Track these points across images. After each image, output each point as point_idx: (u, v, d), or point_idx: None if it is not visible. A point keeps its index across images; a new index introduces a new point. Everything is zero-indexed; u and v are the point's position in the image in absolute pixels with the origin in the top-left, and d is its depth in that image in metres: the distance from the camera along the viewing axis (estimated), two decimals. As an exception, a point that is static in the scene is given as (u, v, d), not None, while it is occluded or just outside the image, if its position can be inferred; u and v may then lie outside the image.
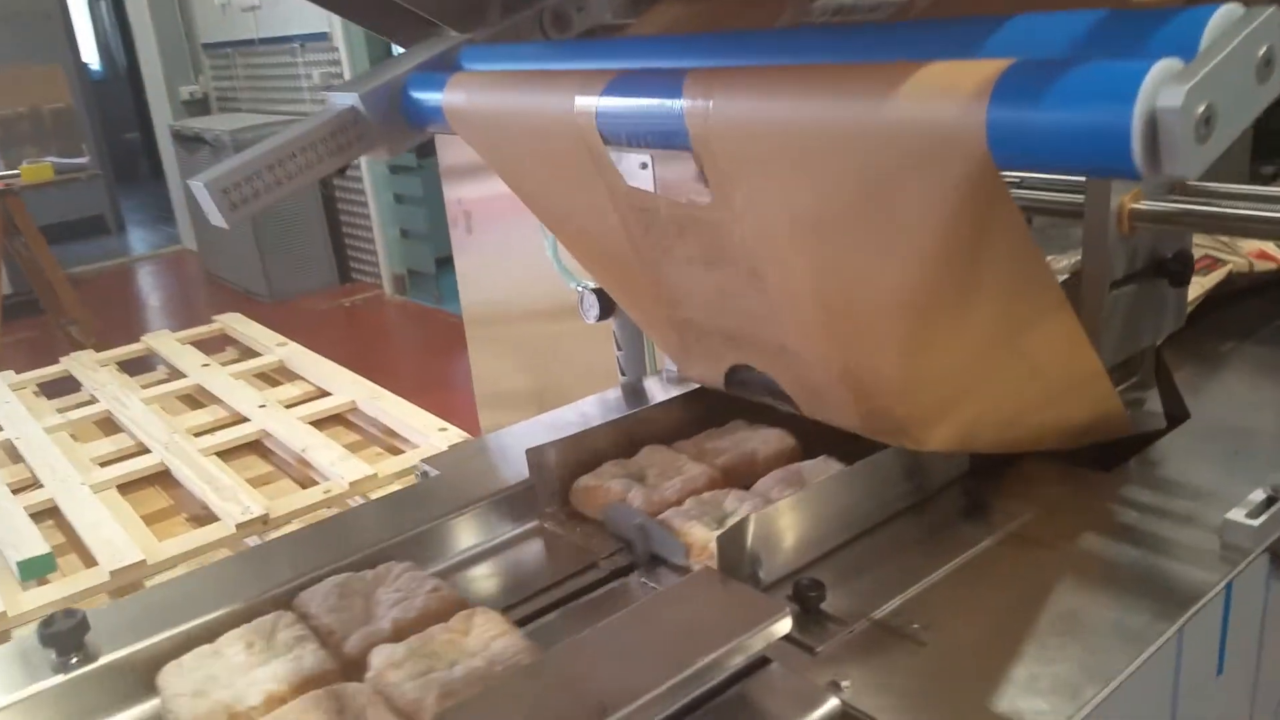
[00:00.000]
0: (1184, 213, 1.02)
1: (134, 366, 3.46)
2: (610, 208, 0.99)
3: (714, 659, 0.74)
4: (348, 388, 3.48)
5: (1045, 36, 0.69)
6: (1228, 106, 0.58)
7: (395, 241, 5.80)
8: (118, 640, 0.89)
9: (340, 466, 2.88)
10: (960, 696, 0.77)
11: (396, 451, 3.15)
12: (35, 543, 2.05)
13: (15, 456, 2.63)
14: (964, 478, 1.07)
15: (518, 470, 1.12)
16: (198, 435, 2.86)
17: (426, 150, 5.94)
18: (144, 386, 3.22)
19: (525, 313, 2.17)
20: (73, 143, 5.79)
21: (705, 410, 1.24)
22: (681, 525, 0.97)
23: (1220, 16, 0.60)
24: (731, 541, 0.86)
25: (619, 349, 1.61)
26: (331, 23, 5.30)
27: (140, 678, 0.87)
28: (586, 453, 1.11)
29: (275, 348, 3.56)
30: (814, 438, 1.11)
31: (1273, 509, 0.93)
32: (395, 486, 2.79)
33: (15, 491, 2.38)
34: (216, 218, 1.13)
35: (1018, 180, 1.20)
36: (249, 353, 3.65)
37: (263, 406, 3.08)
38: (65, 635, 0.86)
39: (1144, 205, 1.04)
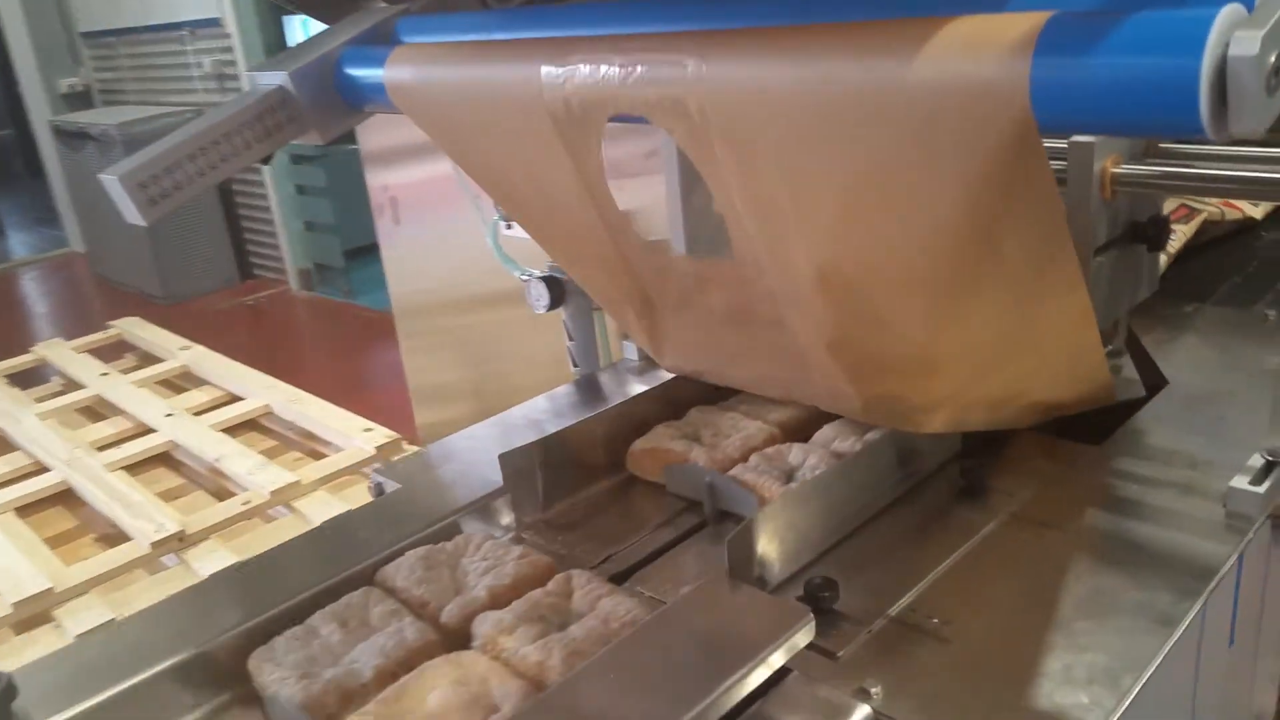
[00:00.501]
0: (1167, 175, 0.99)
1: (25, 379, 3.26)
2: (578, 184, 0.92)
3: (740, 677, 0.68)
4: (260, 391, 3.33)
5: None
6: (1293, 55, 0.54)
7: (299, 235, 5.59)
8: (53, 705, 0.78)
9: (259, 475, 2.75)
10: (996, 695, 0.72)
11: (318, 456, 3.02)
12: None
13: (-105, 486, 2.46)
14: (955, 458, 1.03)
15: (483, 477, 1.04)
16: (101, 449, 2.71)
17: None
18: (38, 400, 3.04)
19: (460, 303, 2.08)
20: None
21: (685, 400, 1.17)
22: (753, 480, 0.96)
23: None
24: (740, 544, 0.80)
25: (570, 339, 1.54)
26: (222, 7, 5.07)
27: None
28: (564, 455, 1.03)
29: (178, 352, 3.40)
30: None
31: (1274, 474, 0.91)
32: (321, 493, 2.69)
33: (-101, 523, 2.21)
34: (133, 215, 1.02)
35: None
36: (150, 359, 3.48)
37: (170, 415, 2.93)
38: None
39: (1125, 169, 1.01)
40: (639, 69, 0.77)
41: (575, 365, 1.58)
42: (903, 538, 0.92)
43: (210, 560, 2.36)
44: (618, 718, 0.65)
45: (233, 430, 3.14)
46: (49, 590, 1.93)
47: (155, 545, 2.30)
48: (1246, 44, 0.52)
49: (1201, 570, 0.83)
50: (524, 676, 0.76)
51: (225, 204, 5.72)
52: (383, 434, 2.99)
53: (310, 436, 3.17)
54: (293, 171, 5.39)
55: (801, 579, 0.85)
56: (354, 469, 2.87)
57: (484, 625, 0.81)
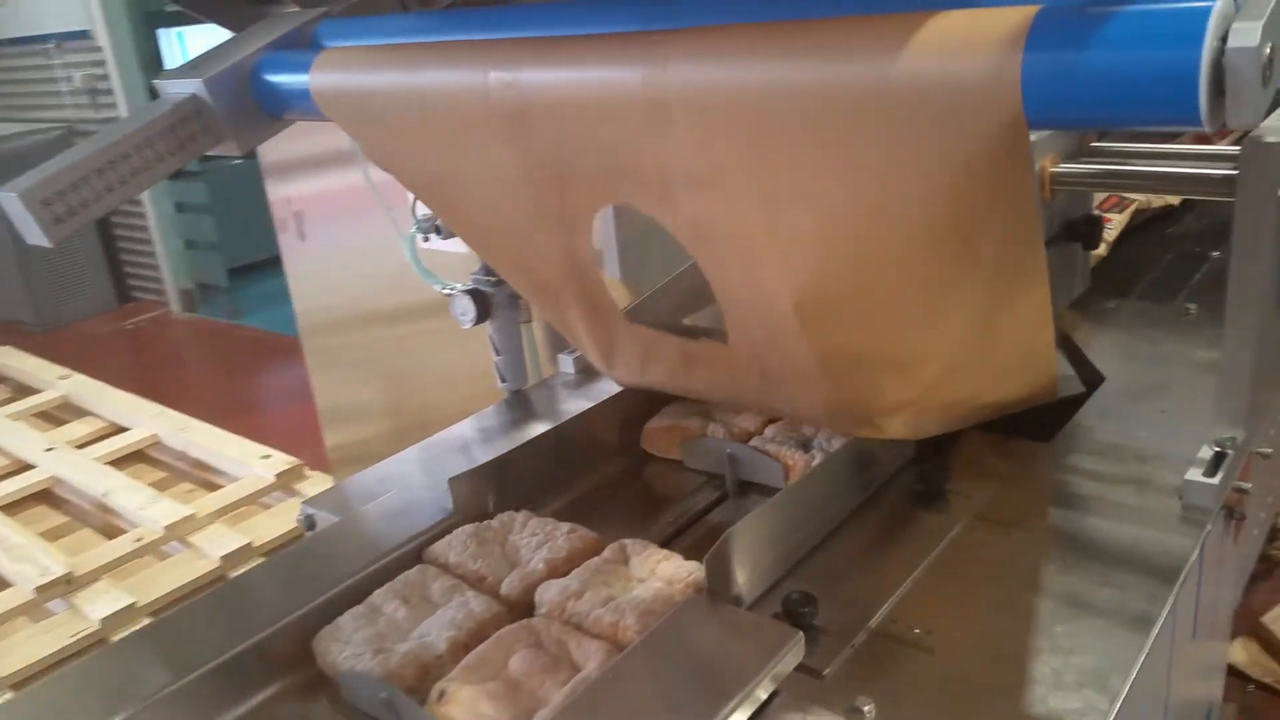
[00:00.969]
0: (1106, 173, 1.00)
1: (-114, 418, 3.04)
2: (526, 188, 0.88)
3: (736, 705, 0.65)
4: (146, 420, 3.18)
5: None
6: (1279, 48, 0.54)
7: (180, 254, 5.36)
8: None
9: (150, 510, 2.62)
10: (990, 705, 0.71)
11: (213, 486, 2.90)
12: None
13: None
14: (910, 464, 1.02)
15: (427, 504, 0.99)
16: (-26, 490, 2.54)
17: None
18: (-98, 440, 2.84)
19: (372, 319, 2.01)
20: None
21: (635, 412, 1.14)
22: (775, 449, 1.00)
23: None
24: (719, 561, 0.77)
25: (497, 354, 1.49)
26: (92, 19, 4.83)
27: None
28: (516, 475, 0.99)
29: (56, 381, 3.23)
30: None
31: (1225, 464, 0.92)
32: (218, 526, 2.56)
33: None
34: (35, 235, 0.95)
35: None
36: (25, 390, 3.29)
37: (50, 450, 2.78)
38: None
39: (1064, 169, 1.02)
40: (600, 69, 0.74)
41: (503, 381, 1.53)
42: (869, 547, 0.90)
43: (102, 603, 2.22)
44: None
45: (119, 463, 2.98)
46: (-77, 643, 1.79)
47: (40, 590, 2.16)
48: (1246, 35, 0.51)
49: (1168, 564, 0.83)
50: (600, 637, 0.78)
51: (100, 224, 5.45)
52: (282, 460, 2.88)
53: (203, 466, 3.03)
54: (172, 188, 5.17)
55: (774, 595, 0.83)
56: (253, 499, 2.75)
57: (549, 593, 0.84)
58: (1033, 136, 0.99)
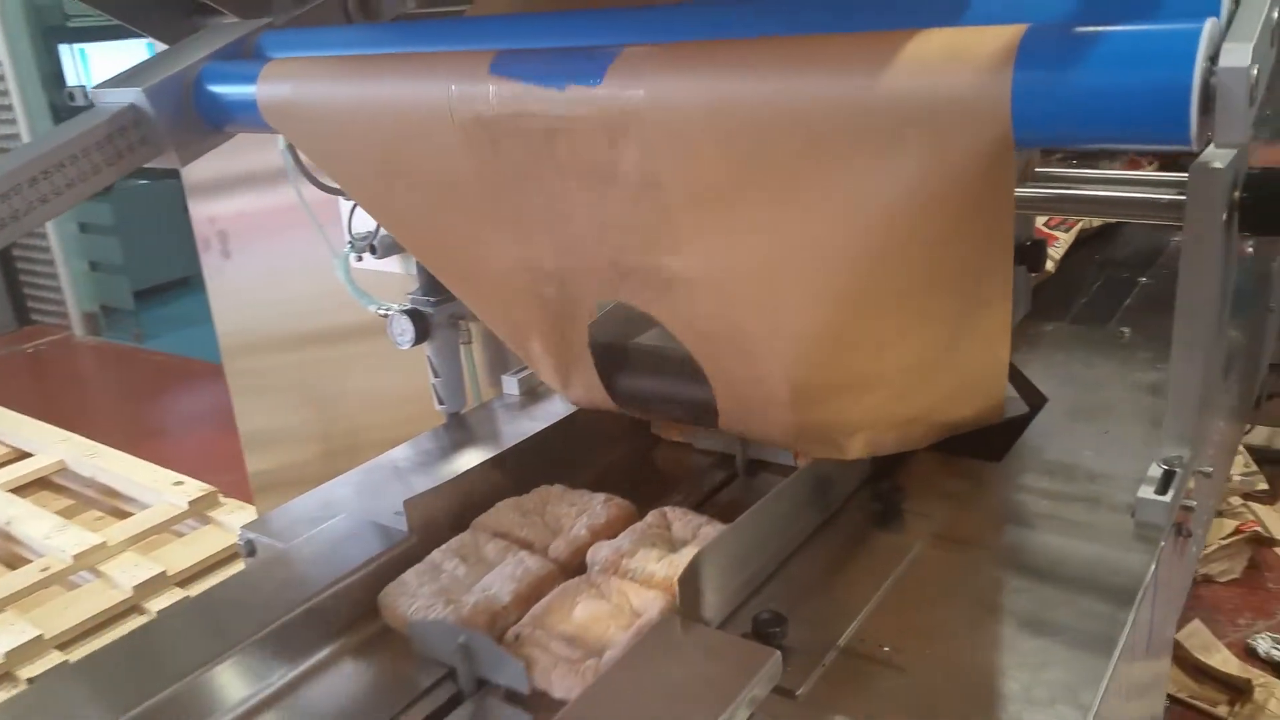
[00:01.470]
0: (1057, 198, 1.02)
1: None
2: (486, 206, 0.86)
3: (721, 726, 0.63)
4: (51, 445, 3.07)
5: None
6: (1263, 70, 0.55)
7: (84, 276, 5.17)
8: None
9: (57, 538, 2.51)
10: (965, 722, 0.71)
11: (123, 514, 2.80)
12: None
13: None
14: (865, 483, 1.02)
15: (374, 529, 0.96)
16: None
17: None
18: None
19: (299, 340, 1.95)
20: None
21: (598, 429, 1.13)
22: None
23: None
24: (691, 582, 0.76)
25: (435, 376, 1.46)
26: (-12, 31, 4.66)
27: None
28: (473, 496, 0.96)
29: (-46, 407, 3.08)
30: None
31: (1175, 482, 0.94)
32: (130, 555, 2.47)
33: None
34: (-40, 248, 0.89)
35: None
36: (-79, 416, 3.13)
37: (-53, 478, 2.64)
38: None
39: (1016, 193, 1.04)
40: (575, 84, 0.73)
41: (441, 403, 1.50)
42: (832, 567, 0.90)
43: (7, 635, 2.12)
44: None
45: (22, 490, 2.86)
46: None
47: (-61, 625, 2.05)
48: (1238, 56, 0.52)
49: (1127, 580, 0.84)
50: (659, 587, 0.83)
51: (-3, 244, 5.23)
52: (196, 487, 2.79)
53: (112, 493, 2.92)
54: (76, 209, 4.98)
55: (741, 615, 0.82)
56: (166, 526, 2.66)
57: (601, 552, 0.89)
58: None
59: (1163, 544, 0.89)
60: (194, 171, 1.93)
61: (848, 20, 0.67)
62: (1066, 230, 1.51)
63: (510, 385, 1.30)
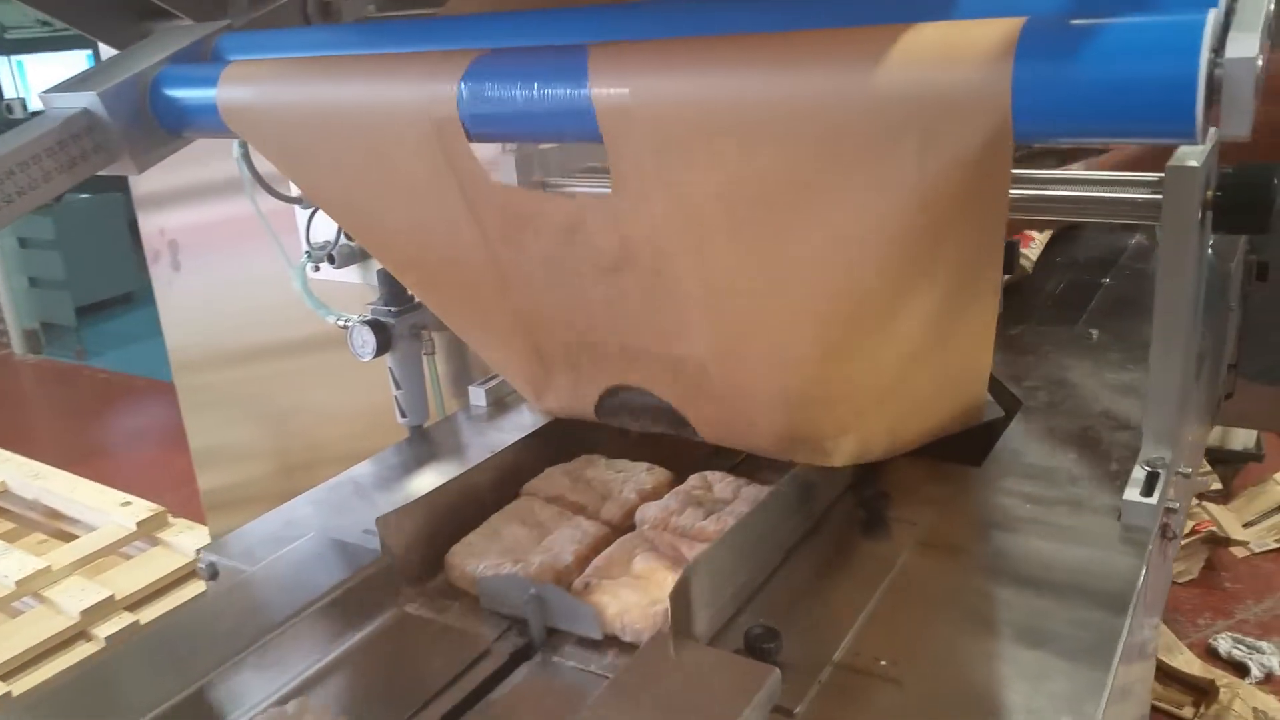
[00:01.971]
0: (1032, 199, 1.01)
1: None
2: (462, 214, 0.83)
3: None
4: (-8, 466, 2.96)
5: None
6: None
7: (23, 292, 5.05)
8: None
9: (0, 563, 2.42)
10: (969, 736, 0.69)
11: (68, 536, 2.72)
12: None
13: None
14: (846, 491, 1.00)
15: (350, 549, 0.92)
16: None
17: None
18: None
19: (253, 355, 1.90)
20: None
21: (577, 440, 1.10)
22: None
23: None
24: (682, 597, 0.73)
25: (397, 388, 1.42)
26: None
27: None
28: (449, 511, 0.93)
29: (-115, 427, 2.97)
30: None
31: (1160, 484, 0.93)
32: (76, 579, 2.39)
33: None
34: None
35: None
36: None
37: (-118, 503, 2.55)
38: None
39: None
40: (555, 85, 0.70)
41: (403, 417, 1.46)
42: (819, 578, 0.88)
43: (-50, 663, 2.04)
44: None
45: (-40, 513, 2.77)
46: None
47: (-125, 658, 1.96)
48: (1245, 46, 0.51)
49: (1119, 584, 0.83)
50: (706, 541, 0.89)
51: (-68, 260, 5.09)
52: (145, 507, 2.71)
53: (56, 515, 2.84)
54: (15, 223, 4.86)
55: (731, 631, 0.80)
56: (113, 549, 2.58)
57: (650, 511, 0.96)
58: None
59: (1151, 547, 0.89)
60: (144, 182, 1.88)
61: (839, 15, 0.65)
62: (1042, 231, 1.51)
63: (477, 396, 1.27)
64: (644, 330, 0.86)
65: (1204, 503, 2.94)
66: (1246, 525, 3.05)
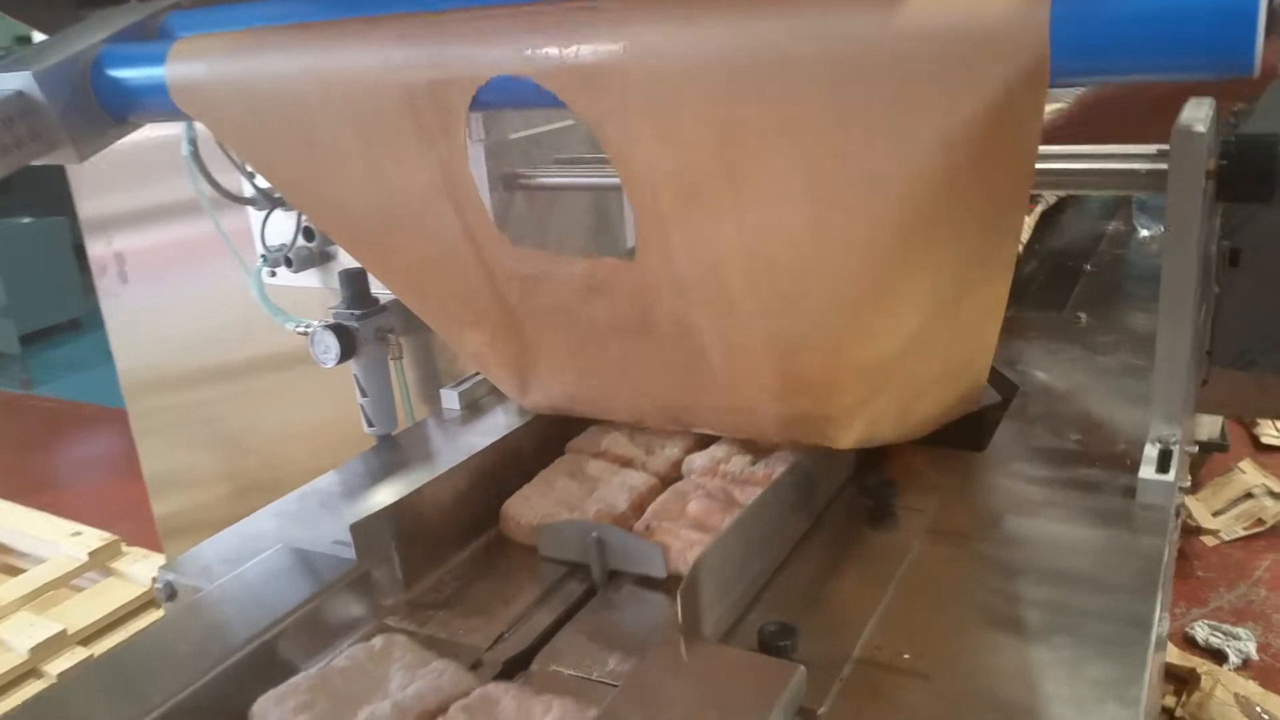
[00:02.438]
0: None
1: None
2: (434, 182, 0.77)
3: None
4: (-67, 500, 2.84)
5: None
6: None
7: (-38, 321, 4.89)
8: None
9: (-56, 598, 2.31)
10: (1010, 730, 0.64)
11: (15, 570, 2.60)
12: None
13: None
14: (849, 481, 0.95)
15: (321, 559, 0.85)
16: None
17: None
18: None
19: (208, 376, 1.82)
20: None
21: (557, 437, 1.05)
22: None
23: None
24: (691, 595, 0.67)
25: (363, 395, 1.35)
26: None
27: None
28: (427, 516, 0.86)
29: None
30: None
31: (1174, 459, 0.89)
32: (24, 614, 2.28)
33: None
34: None
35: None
36: None
37: None
38: None
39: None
40: (538, 38, 0.65)
41: (370, 426, 1.39)
42: (830, 571, 0.83)
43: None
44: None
45: (-97, 547, 2.65)
46: None
47: None
48: (1308, -38, 0.47)
49: (1145, 565, 0.79)
50: (756, 485, 0.91)
51: None
52: (96, 537, 2.61)
53: (3, 549, 2.73)
54: (-49, 249, 4.71)
55: (741, 629, 0.74)
56: (64, 581, 2.48)
57: (698, 461, 0.98)
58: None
59: (1172, 524, 0.85)
60: (90, 205, 1.80)
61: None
62: (1029, 213, 1.49)
63: (450, 399, 1.20)
64: (636, 310, 0.80)
65: (1174, 494, 2.94)
66: (1215, 514, 3.06)
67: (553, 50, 0.65)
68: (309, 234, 1.46)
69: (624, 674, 0.70)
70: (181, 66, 0.82)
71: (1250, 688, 2.35)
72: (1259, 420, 3.52)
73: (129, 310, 1.87)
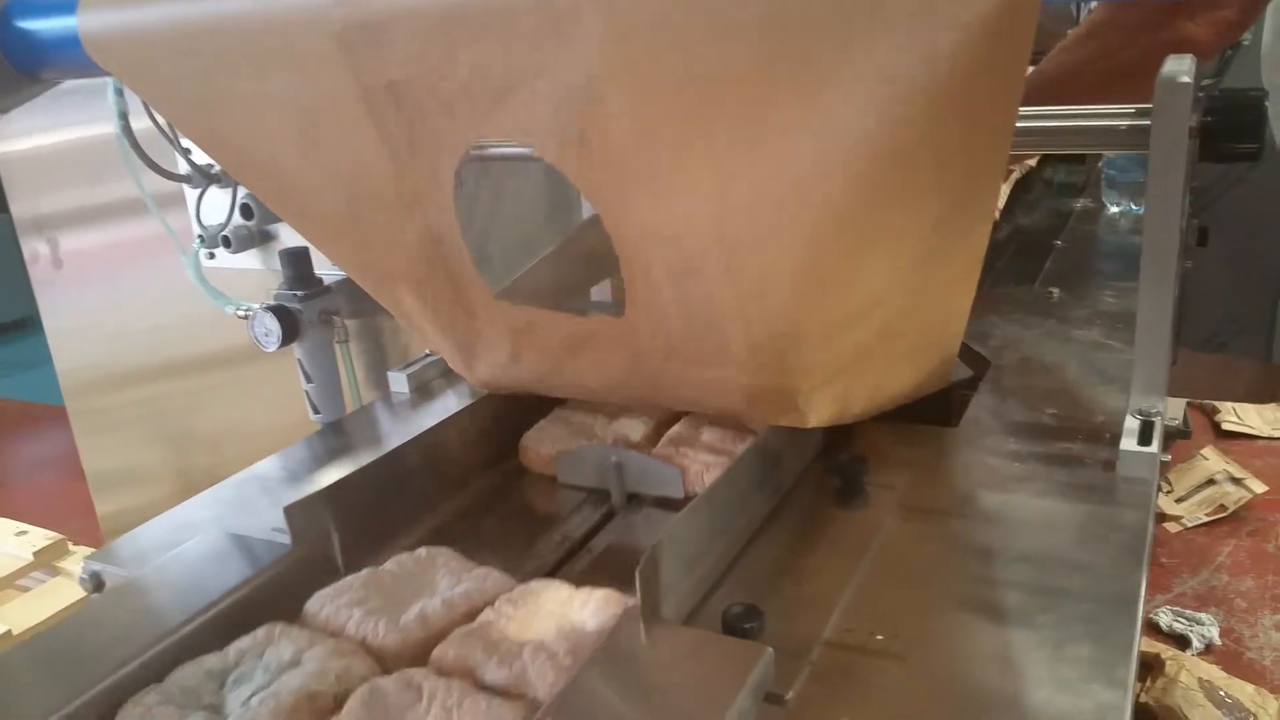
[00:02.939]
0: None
1: None
2: (374, 143, 0.71)
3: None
4: None
5: None
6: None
7: (-97, 320, 4.74)
8: None
9: (-113, 599, 2.22)
10: (992, 714, 0.59)
11: (-43, 571, 2.50)
12: None
13: None
14: (817, 458, 0.91)
15: (254, 544, 0.79)
16: None
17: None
18: None
19: (150, 373, 1.76)
20: None
21: (506, 416, 1.00)
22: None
23: None
24: (651, 574, 0.62)
25: (308, 381, 1.29)
26: None
27: None
28: (365, 498, 0.81)
29: None
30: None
31: (1156, 431, 0.86)
32: (-31, 614, 2.19)
33: None
34: None
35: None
36: None
37: None
38: None
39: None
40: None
41: (316, 412, 1.33)
42: (797, 550, 0.78)
43: None
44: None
45: None
46: None
47: None
48: None
49: (1129, 540, 0.75)
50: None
51: None
52: (41, 536, 2.52)
53: (-58, 550, 2.63)
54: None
55: (705, 612, 0.69)
56: (9, 581, 2.39)
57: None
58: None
59: (1155, 498, 0.81)
60: (24, 203, 1.73)
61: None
62: (1005, 180, 1.46)
63: (398, 382, 1.14)
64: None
65: (1139, 479, 2.94)
66: (1179, 501, 3.06)
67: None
68: (246, 212, 1.40)
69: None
70: (94, 16, 0.76)
71: (1214, 672, 2.33)
72: (1220, 406, 3.54)
73: (68, 314, 1.81)
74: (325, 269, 1.28)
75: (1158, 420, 0.86)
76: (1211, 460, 3.29)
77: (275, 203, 0.84)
